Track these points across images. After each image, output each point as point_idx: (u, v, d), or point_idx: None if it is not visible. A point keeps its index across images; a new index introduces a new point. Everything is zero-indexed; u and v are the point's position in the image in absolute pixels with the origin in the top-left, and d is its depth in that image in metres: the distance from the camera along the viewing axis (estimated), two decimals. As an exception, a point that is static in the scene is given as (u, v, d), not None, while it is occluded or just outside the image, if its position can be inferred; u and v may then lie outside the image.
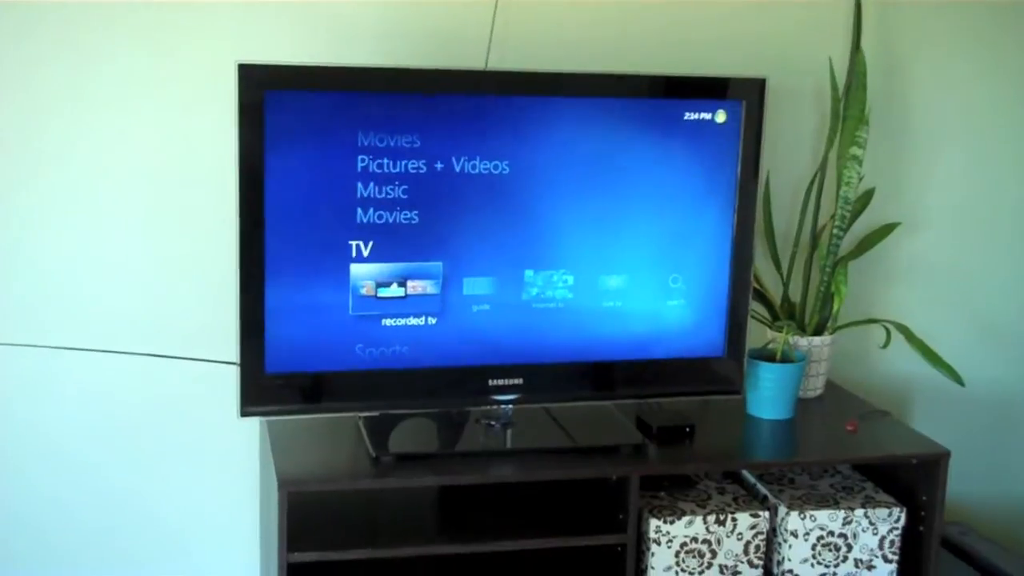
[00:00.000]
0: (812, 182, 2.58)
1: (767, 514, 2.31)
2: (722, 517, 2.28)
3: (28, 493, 2.45)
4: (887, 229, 2.67)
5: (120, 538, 2.50)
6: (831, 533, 2.32)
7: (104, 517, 2.48)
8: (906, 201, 2.75)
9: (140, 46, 2.33)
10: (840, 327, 2.59)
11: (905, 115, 2.72)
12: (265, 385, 2.14)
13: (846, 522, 2.32)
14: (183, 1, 2.32)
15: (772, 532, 2.34)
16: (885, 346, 2.55)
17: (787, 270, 2.61)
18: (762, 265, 2.57)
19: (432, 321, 2.21)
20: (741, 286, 2.35)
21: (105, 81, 2.32)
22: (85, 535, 2.48)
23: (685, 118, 2.27)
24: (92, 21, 2.30)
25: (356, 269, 2.15)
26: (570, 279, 2.27)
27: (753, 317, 2.44)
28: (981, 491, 2.88)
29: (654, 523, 2.25)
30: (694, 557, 2.28)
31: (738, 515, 2.29)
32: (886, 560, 2.35)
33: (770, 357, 2.47)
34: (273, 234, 2.09)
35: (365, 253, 2.15)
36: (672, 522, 2.26)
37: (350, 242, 2.14)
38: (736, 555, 2.30)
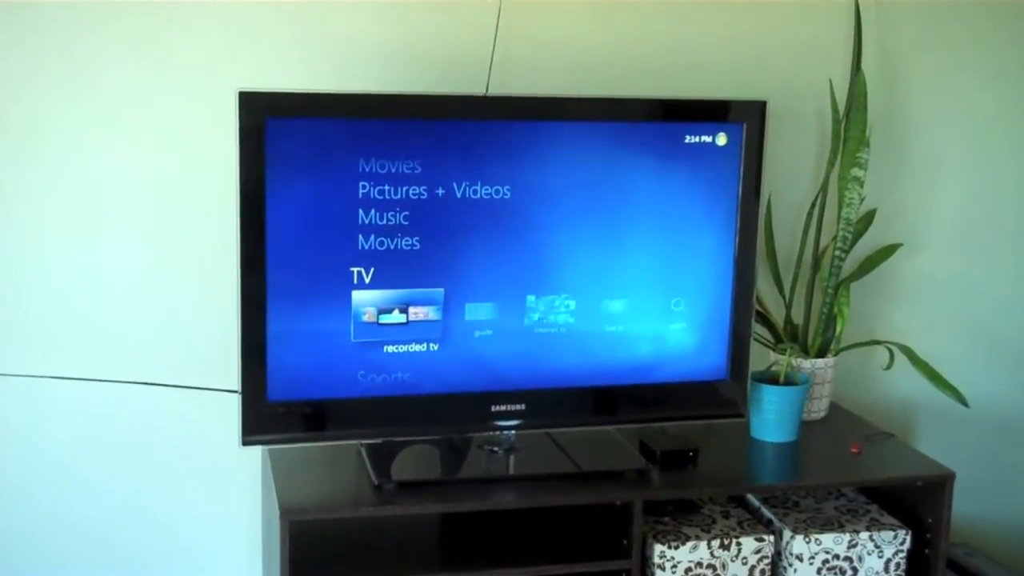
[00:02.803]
0: (814, 204, 2.58)
1: (772, 538, 2.30)
2: (727, 541, 2.27)
3: (29, 520, 2.43)
4: (889, 250, 2.67)
5: (121, 568, 2.48)
6: (836, 556, 2.31)
7: (104, 548, 2.46)
8: (907, 221, 2.74)
9: (141, 71, 2.32)
10: (843, 349, 2.58)
11: (905, 135, 2.71)
12: (267, 413, 2.13)
13: (851, 545, 2.31)
14: (185, 27, 2.32)
15: (777, 556, 2.33)
16: (888, 367, 2.54)
17: (789, 292, 2.60)
18: (764, 287, 2.56)
19: (434, 347, 2.20)
20: (744, 309, 2.34)
21: (105, 106, 2.32)
22: (82, 564, 2.46)
23: (686, 141, 2.27)
24: (91, 45, 2.29)
25: (358, 296, 2.15)
26: (572, 304, 2.26)
27: (756, 340, 2.43)
28: (986, 512, 2.86)
29: (658, 548, 2.24)
30: (699, 582, 2.27)
31: (743, 539, 2.28)
32: (892, 583, 2.34)
33: (773, 380, 2.46)
34: (274, 261, 2.08)
35: (367, 279, 2.14)
36: (676, 547, 2.25)
37: (351, 268, 2.13)
38: (741, 580, 2.29)
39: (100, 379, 2.39)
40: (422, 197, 2.15)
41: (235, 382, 2.12)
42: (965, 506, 2.63)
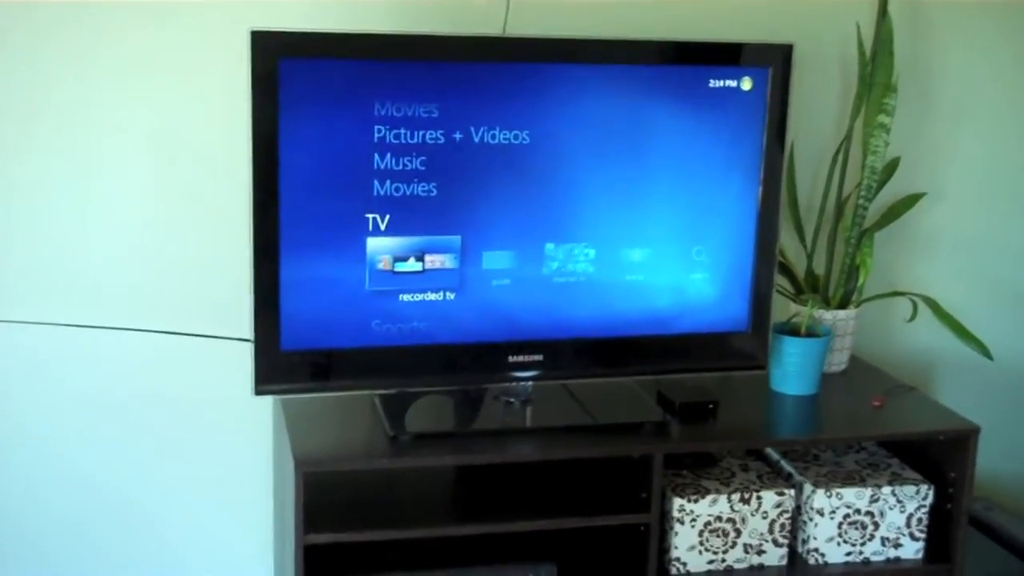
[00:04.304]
0: (838, 151, 2.52)
1: (792, 492, 2.26)
2: (747, 495, 2.23)
3: (36, 468, 2.40)
4: (912, 199, 2.61)
5: (129, 517, 2.45)
6: (857, 511, 2.27)
7: (111, 497, 2.43)
8: (931, 170, 2.68)
9: (151, 13, 2.25)
10: (865, 300, 2.53)
11: (930, 82, 2.65)
12: (280, 362, 2.09)
13: (873, 500, 2.27)
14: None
15: (797, 510, 2.29)
16: (912, 319, 2.49)
17: (811, 242, 2.54)
18: (785, 237, 2.50)
19: (450, 296, 2.15)
20: (766, 259, 2.29)
21: (113, 49, 2.25)
22: (92, 512, 2.43)
23: (710, 86, 2.20)
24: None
25: (373, 243, 2.09)
26: (591, 252, 2.21)
27: (777, 291, 2.37)
28: (1007, 466, 2.82)
29: (677, 502, 2.20)
30: (718, 536, 2.23)
31: (763, 493, 2.24)
32: (913, 538, 2.30)
33: (794, 331, 2.41)
34: (287, 207, 2.03)
35: (382, 227, 2.09)
36: (696, 501, 2.21)
37: (366, 215, 2.08)
38: (761, 534, 2.25)
39: (108, 327, 2.35)
40: (439, 142, 2.09)
41: (248, 331, 2.08)
42: (985, 460, 2.57)
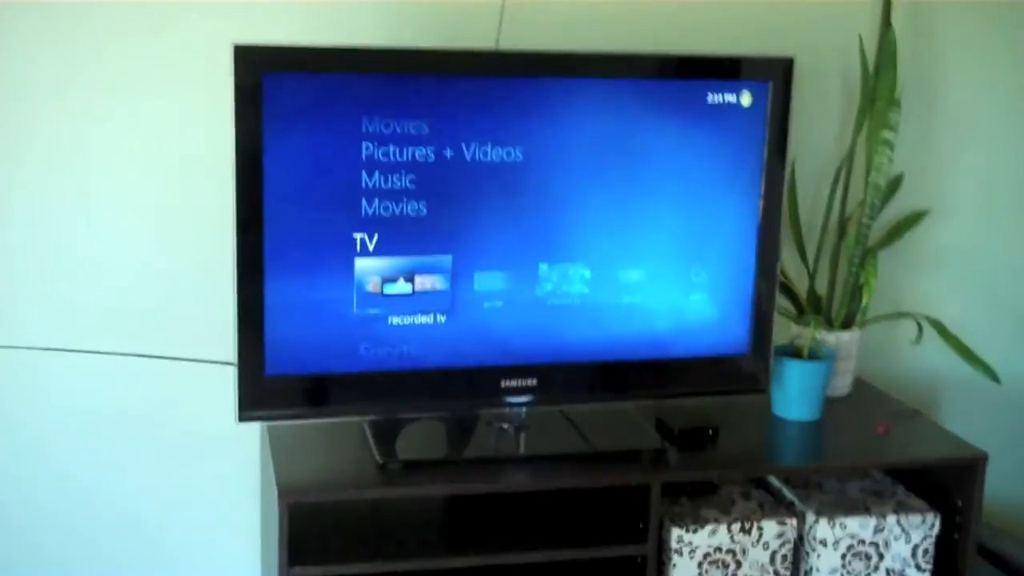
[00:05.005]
0: (840, 168, 2.45)
1: (794, 521, 2.19)
2: (747, 525, 2.16)
3: (15, 499, 2.33)
4: (917, 217, 2.55)
5: (112, 549, 2.38)
6: (862, 542, 2.20)
7: (94, 527, 2.36)
8: (937, 187, 2.61)
9: (132, 29, 2.19)
10: (869, 321, 2.46)
11: (935, 95, 2.58)
12: (265, 387, 2.02)
13: (878, 530, 2.20)
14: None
15: (799, 541, 2.22)
16: (917, 341, 2.42)
17: (813, 261, 2.48)
18: (786, 256, 2.44)
19: (441, 319, 2.08)
20: (767, 279, 2.22)
21: (94, 67, 2.19)
22: (73, 545, 2.36)
23: (708, 101, 2.14)
24: (81, 4, 2.15)
25: (361, 264, 2.02)
26: (587, 273, 2.14)
27: (778, 312, 2.31)
28: (1014, 492, 2.75)
29: (676, 532, 2.13)
30: (718, 568, 2.16)
31: (764, 523, 2.17)
32: (919, 569, 2.23)
33: (796, 354, 2.34)
34: (272, 227, 1.96)
35: (370, 247, 2.02)
36: (695, 531, 2.14)
37: (354, 235, 2.01)
38: (762, 565, 2.18)
39: (89, 351, 2.28)
40: (429, 159, 2.02)
41: (231, 354, 2.00)
42: (991, 485, 2.51)
